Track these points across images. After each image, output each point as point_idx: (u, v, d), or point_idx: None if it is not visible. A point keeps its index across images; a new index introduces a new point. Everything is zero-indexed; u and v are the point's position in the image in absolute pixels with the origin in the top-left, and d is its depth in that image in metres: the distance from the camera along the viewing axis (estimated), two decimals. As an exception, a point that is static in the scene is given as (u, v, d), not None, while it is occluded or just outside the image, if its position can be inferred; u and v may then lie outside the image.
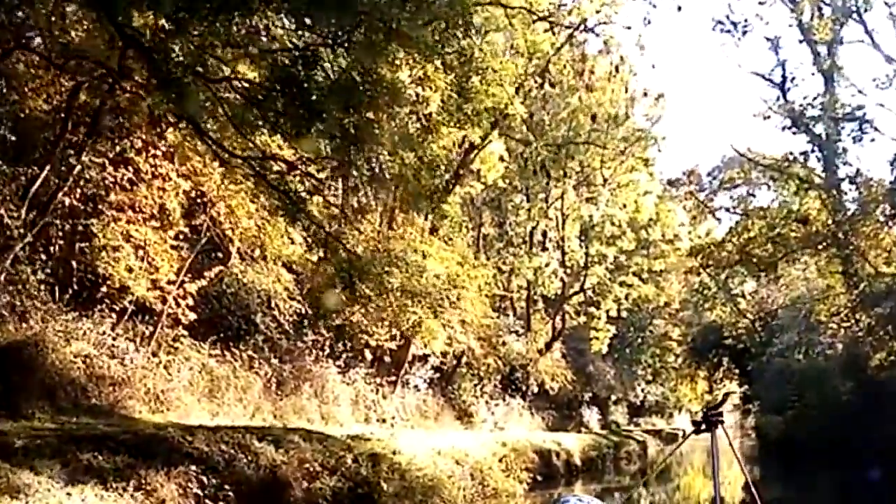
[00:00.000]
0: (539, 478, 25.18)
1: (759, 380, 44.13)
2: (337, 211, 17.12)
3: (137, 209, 15.93)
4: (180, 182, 16.48)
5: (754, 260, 28.20)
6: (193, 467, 11.19)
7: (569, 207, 41.14)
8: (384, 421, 23.98)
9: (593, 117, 31.76)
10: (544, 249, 42.28)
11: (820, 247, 28.00)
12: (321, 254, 16.14)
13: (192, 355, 18.17)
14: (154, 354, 17.24)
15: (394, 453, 16.91)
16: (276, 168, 13.15)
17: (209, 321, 19.70)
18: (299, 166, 13.31)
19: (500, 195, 40.23)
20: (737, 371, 52.94)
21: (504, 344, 35.54)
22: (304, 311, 21.55)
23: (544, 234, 42.93)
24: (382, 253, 17.59)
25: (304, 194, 13.55)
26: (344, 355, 24.14)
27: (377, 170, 16.03)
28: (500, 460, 23.29)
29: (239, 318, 20.53)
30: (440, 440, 22.23)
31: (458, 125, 17.08)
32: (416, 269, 17.84)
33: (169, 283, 17.31)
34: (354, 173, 15.14)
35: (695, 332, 55.22)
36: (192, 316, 17.98)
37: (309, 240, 16.33)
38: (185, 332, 18.31)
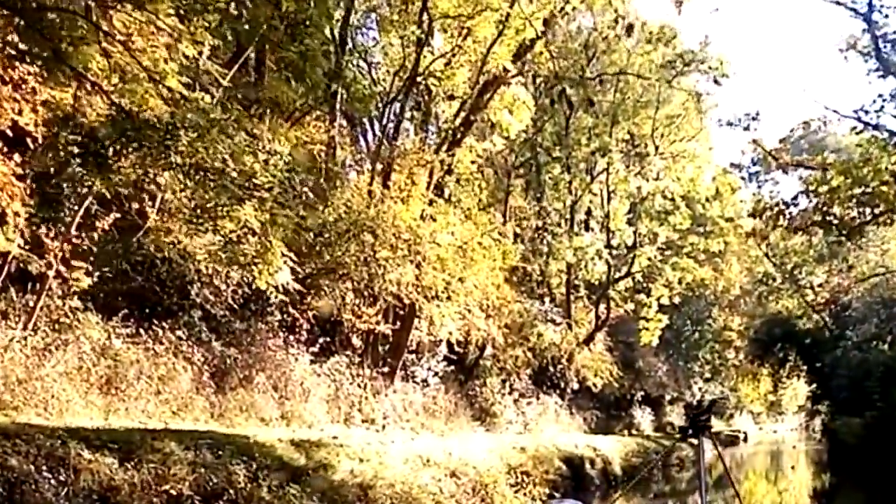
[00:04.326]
0: (560, 493, 20.43)
1: (831, 377, 41.64)
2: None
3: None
4: (46, 94, 11.89)
5: (835, 222, 23.16)
6: None
7: (615, 181, 36.44)
8: (372, 421, 19.52)
9: (629, 29, 26.55)
10: (587, 228, 37.98)
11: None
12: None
13: (88, 333, 13.71)
14: (35, 332, 12.92)
15: (323, 466, 12.32)
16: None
17: (126, 293, 15.35)
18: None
19: (533, 159, 35.62)
20: (805, 367, 49.34)
21: (539, 335, 31.23)
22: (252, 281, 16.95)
23: (588, 210, 38.60)
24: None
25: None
26: (321, 339, 19.61)
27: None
28: (510, 472, 18.58)
29: (168, 290, 16.11)
30: (437, 446, 18.15)
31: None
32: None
33: (53, 237, 13.04)
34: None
35: (757, 324, 51.87)
36: (88, 282, 13.61)
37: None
38: (84, 305, 13.90)
